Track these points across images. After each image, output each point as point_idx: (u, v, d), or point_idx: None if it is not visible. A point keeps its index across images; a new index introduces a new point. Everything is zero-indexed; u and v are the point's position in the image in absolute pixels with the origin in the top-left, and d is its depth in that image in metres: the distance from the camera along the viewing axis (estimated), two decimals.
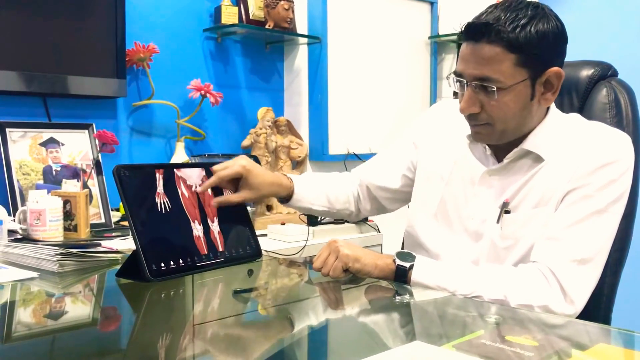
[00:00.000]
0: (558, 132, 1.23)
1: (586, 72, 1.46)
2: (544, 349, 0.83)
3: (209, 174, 1.36)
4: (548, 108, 1.26)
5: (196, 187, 1.32)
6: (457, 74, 1.20)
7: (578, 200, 1.17)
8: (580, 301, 1.14)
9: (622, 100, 1.42)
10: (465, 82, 1.18)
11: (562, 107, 1.44)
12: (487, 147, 1.28)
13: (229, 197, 1.35)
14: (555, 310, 1.11)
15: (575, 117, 1.28)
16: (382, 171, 1.50)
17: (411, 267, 1.18)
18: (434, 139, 1.40)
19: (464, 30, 1.18)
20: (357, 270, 1.20)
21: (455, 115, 1.29)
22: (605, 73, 1.46)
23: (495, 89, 1.15)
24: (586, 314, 1.14)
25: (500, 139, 1.23)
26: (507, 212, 1.23)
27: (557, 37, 1.17)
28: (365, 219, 2.01)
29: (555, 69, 1.18)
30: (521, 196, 1.22)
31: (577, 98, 1.47)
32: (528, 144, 1.22)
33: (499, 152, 1.27)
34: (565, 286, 1.13)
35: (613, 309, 1.40)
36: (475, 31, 1.15)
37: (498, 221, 1.24)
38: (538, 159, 1.22)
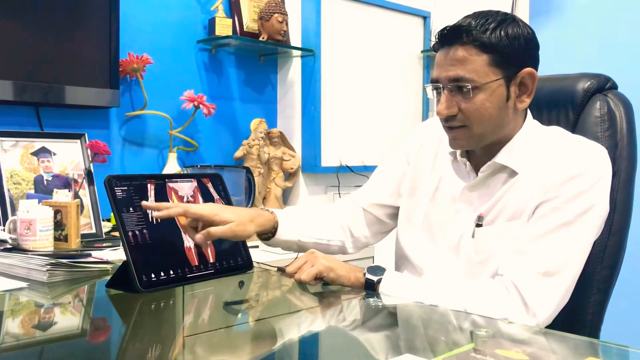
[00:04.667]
0: (533, 144, 1.24)
1: (582, 85, 1.40)
2: None
3: (201, 185, 1.36)
4: (526, 118, 1.27)
5: (187, 198, 1.32)
6: (433, 80, 1.23)
7: (547, 213, 1.17)
8: (544, 314, 1.13)
9: (617, 113, 1.36)
10: (441, 86, 1.21)
11: (558, 121, 1.42)
12: (467, 163, 1.30)
13: (210, 230, 1.22)
14: (516, 323, 1.11)
15: (556, 130, 1.28)
16: (378, 188, 1.47)
17: (379, 280, 1.22)
18: (423, 155, 1.41)
19: (438, 37, 1.22)
20: (331, 280, 1.25)
21: (443, 133, 1.31)
22: (602, 86, 1.39)
23: (470, 87, 1.17)
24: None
25: (478, 143, 1.24)
26: (479, 225, 1.24)
27: (528, 41, 1.20)
28: None
29: (529, 69, 1.20)
30: (497, 210, 1.23)
31: (573, 112, 1.41)
32: (501, 158, 1.24)
33: (479, 167, 1.28)
34: (527, 299, 1.13)
35: (602, 328, 1.36)
36: (449, 36, 1.20)
37: (473, 236, 1.25)
38: (513, 172, 1.23)
